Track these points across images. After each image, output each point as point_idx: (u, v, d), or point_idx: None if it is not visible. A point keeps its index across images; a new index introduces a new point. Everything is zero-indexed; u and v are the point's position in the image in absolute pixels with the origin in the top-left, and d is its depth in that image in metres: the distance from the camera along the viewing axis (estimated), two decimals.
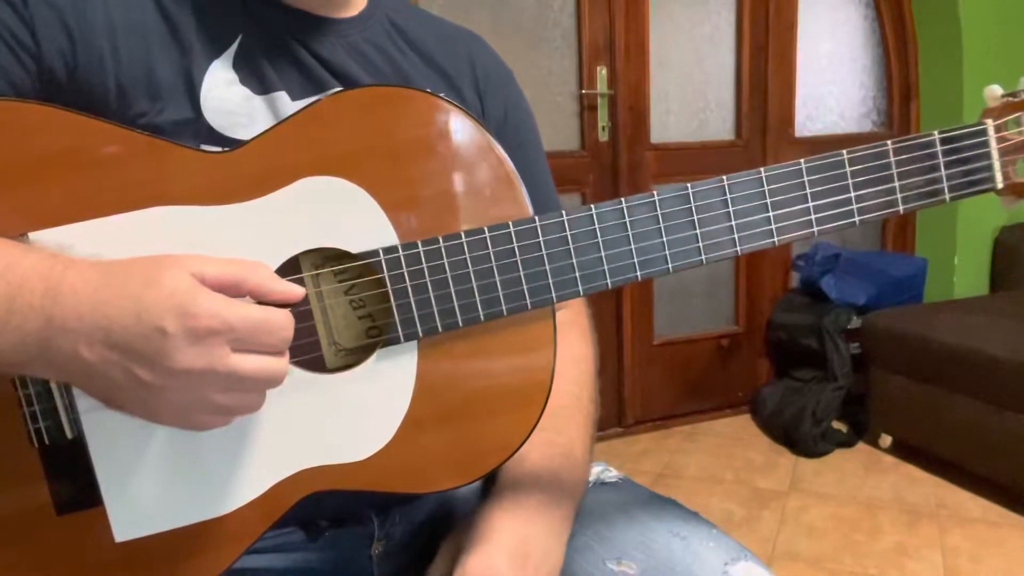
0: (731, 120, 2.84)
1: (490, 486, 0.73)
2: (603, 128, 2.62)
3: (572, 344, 0.82)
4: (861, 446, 2.62)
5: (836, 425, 2.66)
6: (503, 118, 0.81)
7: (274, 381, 0.54)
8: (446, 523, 0.80)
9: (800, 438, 2.56)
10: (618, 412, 2.80)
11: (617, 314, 2.73)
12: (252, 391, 0.54)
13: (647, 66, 2.65)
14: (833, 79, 2.96)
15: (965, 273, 2.91)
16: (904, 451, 2.52)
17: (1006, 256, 2.89)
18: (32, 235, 0.55)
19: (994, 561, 1.96)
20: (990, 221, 2.92)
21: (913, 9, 2.94)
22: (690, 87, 2.76)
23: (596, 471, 0.81)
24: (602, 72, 2.59)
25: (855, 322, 2.63)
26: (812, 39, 2.88)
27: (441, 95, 0.62)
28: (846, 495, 2.31)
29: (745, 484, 2.40)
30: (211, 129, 0.65)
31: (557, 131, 2.59)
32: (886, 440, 2.56)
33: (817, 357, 2.68)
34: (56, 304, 0.50)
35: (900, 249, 3.08)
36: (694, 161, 2.76)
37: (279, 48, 0.69)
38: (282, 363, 0.54)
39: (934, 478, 2.38)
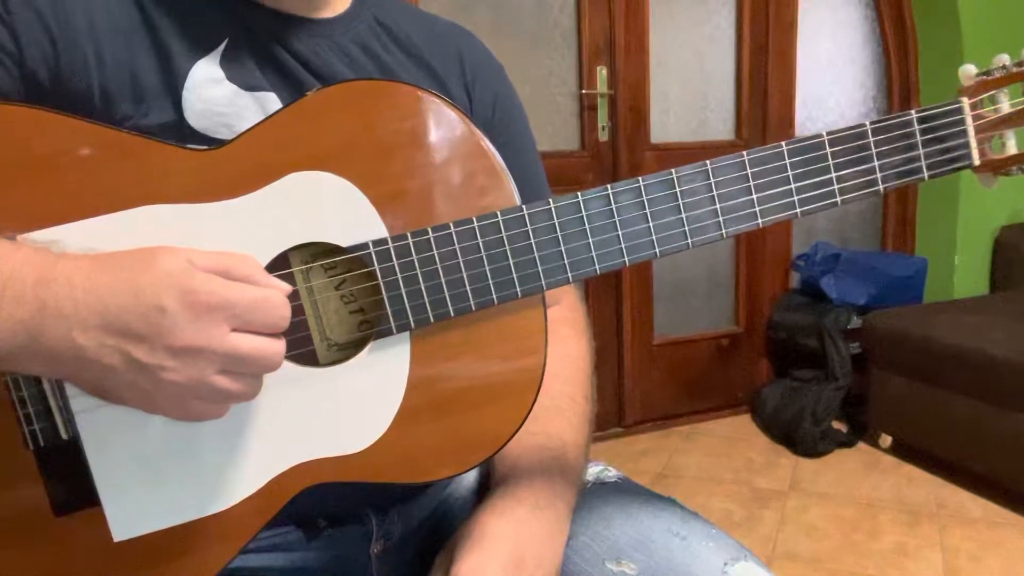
0: (731, 120, 2.84)
1: (485, 491, 0.73)
2: (603, 128, 2.62)
3: (567, 341, 0.82)
4: (861, 446, 2.62)
5: (836, 425, 2.66)
6: (492, 113, 0.81)
7: (272, 363, 0.54)
8: (444, 522, 0.80)
9: (800, 438, 2.56)
10: (618, 412, 2.80)
11: (617, 314, 2.73)
12: (250, 373, 0.54)
13: (647, 66, 2.65)
14: (833, 79, 2.96)
15: (965, 273, 2.91)
16: (904, 451, 2.52)
17: (1006, 256, 2.89)
18: (20, 237, 0.55)
19: (994, 561, 1.96)
20: (990, 221, 2.92)
21: (913, 9, 2.94)
22: (690, 87, 2.76)
23: (595, 471, 0.81)
24: (602, 72, 2.59)
25: (855, 322, 2.63)
26: (812, 39, 2.89)
27: (424, 88, 0.62)
28: (846, 495, 2.31)
29: (745, 484, 2.40)
30: (194, 131, 0.65)
31: (557, 131, 2.59)
32: (886, 440, 2.56)
33: (817, 357, 2.68)
34: (49, 291, 0.50)
35: (900, 249, 3.08)
36: (694, 161, 2.75)
37: (264, 52, 0.69)
38: (279, 345, 0.54)
39: (934, 478, 2.38)
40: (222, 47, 0.67)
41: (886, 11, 2.95)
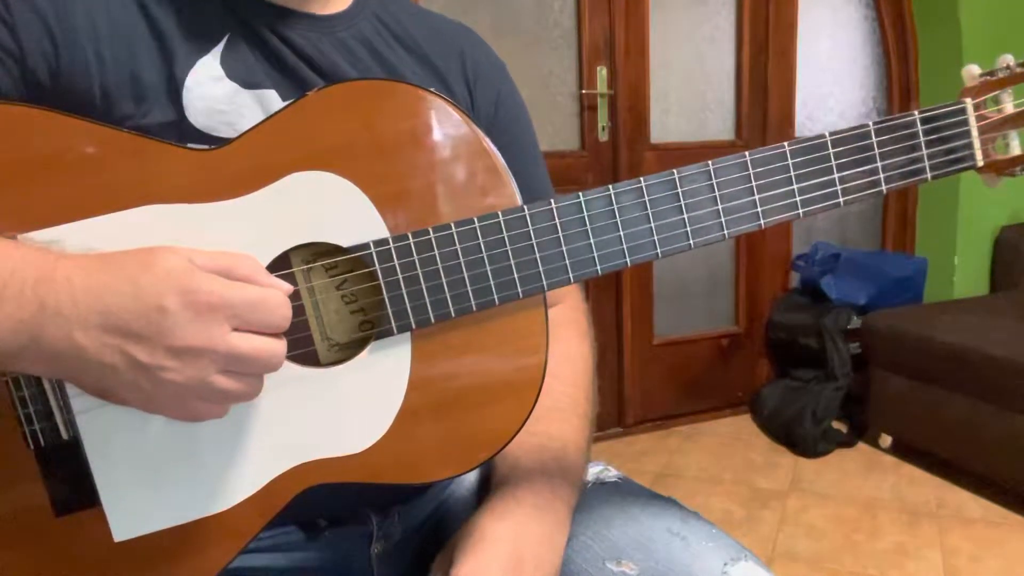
0: (731, 120, 2.84)
1: (486, 492, 0.73)
2: (603, 128, 2.62)
3: (568, 342, 0.82)
4: (861, 446, 2.62)
5: (836, 425, 2.66)
6: (494, 111, 0.81)
7: (273, 363, 0.54)
8: (445, 523, 0.80)
9: (800, 438, 2.56)
10: (618, 412, 2.80)
11: (617, 314, 2.73)
12: (251, 373, 0.54)
13: (647, 66, 2.65)
14: (833, 79, 2.96)
15: (965, 273, 2.91)
16: (904, 451, 2.52)
17: (1006, 256, 2.89)
18: (20, 237, 0.55)
19: (994, 561, 1.96)
20: (990, 221, 2.92)
21: (913, 9, 2.94)
22: (690, 87, 2.76)
23: (595, 471, 0.81)
24: (602, 72, 2.59)
25: (855, 322, 2.63)
26: (812, 39, 2.89)
27: (427, 88, 0.62)
28: (846, 495, 2.31)
29: (745, 484, 2.40)
30: (196, 130, 0.65)
31: (557, 131, 2.59)
32: (886, 440, 2.56)
33: (817, 357, 2.68)
34: (49, 291, 0.50)
35: (900, 249, 3.08)
36: (694, 161, 2.74)
37: (265, 48, 0.69)
38: (280, 345, 0.54)
39: (934, 478, 2.38)
40: (222, 44, 0.67)
41: (886, 11, 2.95)
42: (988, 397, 2.18)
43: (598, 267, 0.62)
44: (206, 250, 0.53)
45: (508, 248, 0.61)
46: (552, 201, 0.61)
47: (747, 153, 0.63)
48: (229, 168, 0.59)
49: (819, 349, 2.66)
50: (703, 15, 2.74)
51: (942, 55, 2.87)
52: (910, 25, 2.95)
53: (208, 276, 0.51)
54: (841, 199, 0.64)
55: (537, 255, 0.61)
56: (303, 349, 0.63)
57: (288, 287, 0.55)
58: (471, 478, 0.84)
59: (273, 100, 0.68)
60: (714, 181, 0.63)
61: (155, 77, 0.64)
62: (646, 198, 0.62)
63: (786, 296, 2.91)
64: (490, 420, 0.63)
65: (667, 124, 2.73)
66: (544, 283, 0.62)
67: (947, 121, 0.65)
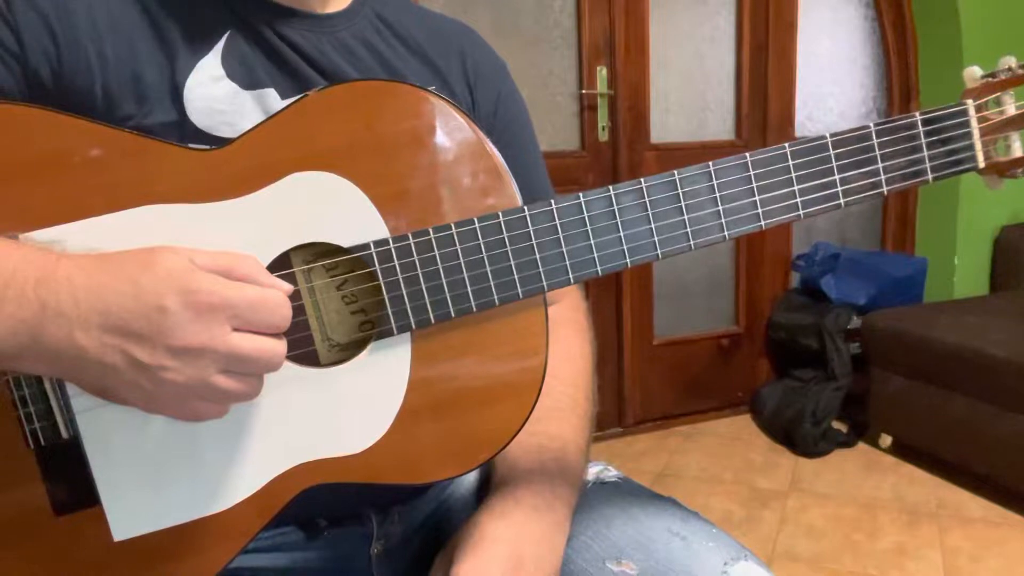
0: (731, 120, 2.84)
1: (486, 492, 0.73)
2: (603, 128, 2.62)
3: (568, 341, 0.82)
4: (861, 446, 2.62)
5: (836, 425, 2.66)
6: (494, 111, 0.81)
7: (273, 363, 0.54)
8: (444, 523, 0.80)
9: (800, 438, 2.56)
10: (618, 412, 2.80)
11: (617, 314, 2.73)
12: (251, 373, 0.54)
13: (647, 66, 2.65)
14: (833, 79, 2.96)
15: (965, 273, 2.91)
16: (904, 451, 2.52)
17: (1006, 256, 2.89)
18: (22, 236, 0.55)
19: (994, 561, 1.96)
20: (990, 221, 2.92)
21: (913, 9, 2.94)
22: (690, 87, 2.76)
23: (595, 471, 0.81)
24: (602, 72, 2.59)
25: (855, 322, 2.63)
26: (812, 39, 2.89)
27: (428, 88, 0.62)
28: (846, 495, 2.31)
29: (745, 484, 2.40)
30: (197, 130, 0.65)
31: (557, 131, 2.59)
32: (886, 440, 2.56)
33: (817, 357, 2.68)
34: (50, 291, 0.50)
35: (900, 249, 3.08)
36: (694, 161, 2.72)
37: (265, 46, 0.69)
38: (281, 345, 0.54)
39: (934, 478, 2.38)
40: (222, 43, 0.67)
41: (886, 11, 2.95)
42: (988, 397, 2.18)
43: (598, 268, 0.62)
44: (207, 250, 0.53)
45: (508, 248, 0.61)
46: (552, 202, 0.61)
47: (748, 154, 0.63)
48: (230, 168, 0.59)
49: (819, 349, 2.66)
50: (703, 15, 2.74)
51: (942, 55, 2.87)
52: (910, 25, 2.96)
53: (209, 276, 0.51)
54: (842, 200, 0.64)
55: (537, 256, 0.61)
56: (303, 349, 0.63)
57: (288, 287, 0.55)
58: (471, 478, 0.84)
59: (273, 99, 0.68)
60: (715, 182, 0.63)
61: (156, 77, 0.65)
62: (646, 199, 0.62)
63: (786, 296, 2.91)
64: (490, 420, 0.63)
65: (667, 124, 2.73)
66: (544, 284, 0.62)
67: (948, 123, 0.65)
